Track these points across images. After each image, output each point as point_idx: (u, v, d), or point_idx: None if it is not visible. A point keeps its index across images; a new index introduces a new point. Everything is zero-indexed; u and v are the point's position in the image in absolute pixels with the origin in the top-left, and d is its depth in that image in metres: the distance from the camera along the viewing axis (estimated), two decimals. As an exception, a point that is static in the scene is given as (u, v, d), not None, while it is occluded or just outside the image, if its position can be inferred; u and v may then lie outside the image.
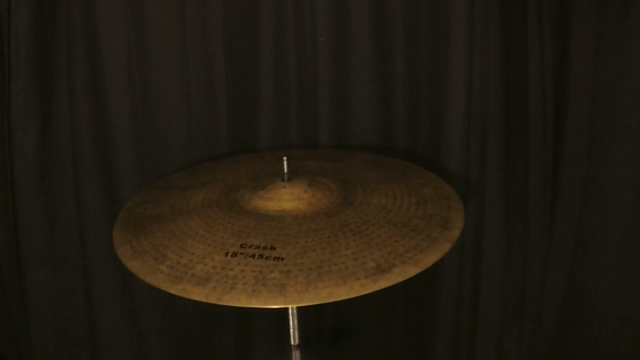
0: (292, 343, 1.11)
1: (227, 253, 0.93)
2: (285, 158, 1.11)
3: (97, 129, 1.41)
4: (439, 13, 1.39)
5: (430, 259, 0.93)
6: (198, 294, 0.86)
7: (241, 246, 0.95)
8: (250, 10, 1.38)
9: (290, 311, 1.10)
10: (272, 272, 0.88)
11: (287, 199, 1.07)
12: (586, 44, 1.36)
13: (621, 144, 1.31)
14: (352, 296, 0.85)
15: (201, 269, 0.90)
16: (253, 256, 0.92)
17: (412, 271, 0.90)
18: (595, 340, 1.48)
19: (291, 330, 1.11)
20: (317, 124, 1.46)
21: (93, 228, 1.45)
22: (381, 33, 1.41)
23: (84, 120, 1.40)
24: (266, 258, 0.91)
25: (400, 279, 0.88)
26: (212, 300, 0.85)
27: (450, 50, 1.39)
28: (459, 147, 1.44)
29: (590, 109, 1.39)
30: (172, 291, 0.88)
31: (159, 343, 1.59)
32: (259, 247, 0.94)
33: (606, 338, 1.45)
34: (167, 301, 1.53)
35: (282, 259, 0.91)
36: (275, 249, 0.94)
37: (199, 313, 1.57)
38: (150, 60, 1.40)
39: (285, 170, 1.11)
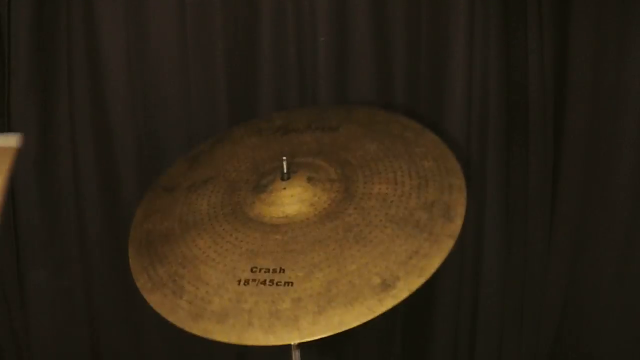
0: (292, 343, 1.12)
1: (240, 281, 0.98)
2: (284, 158, 1.11)
3: (97, 129, 1.41)
4: (439, 13, 1.35)
5: (433, 263, 0.97)
6: (219, 334, 0.93)
7: (251, 270, 0.99)
8: (250, 10, 1.35)
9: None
10: (283, 301, 0.93)
11: (288, 202, 1.08)
12: (586, 43, 1.31)
13: (621, 143, 1.27)
14: (362, 322, 0.90)
15: (218, 303, 0.96)
16: (264, 282, 0.96)
17: (417, 282, 0.94)
18: (595, 342, 1.53)
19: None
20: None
21: (93, 228, 1.47)
22: (381, 33, 1.38)
23: (84, 120, 1.40)
24: (277, 284, 0.96)
25: (406, 294, 0.93)
26: (234, 340, 0.92)
27: (450, 50, 1.36)
28: (459, 147, 1.41)
29: (590, 109, 1.36)
30: (194, 331, 0.95)
31: (159, 343, 1.61)
32: (268, 271, 0.98)
33: (606, 339, 1.50)
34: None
35: (292, 283, 0.95)
36: (284, 271, 0.97)
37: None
38: (150, 60, 1.38)
39: (285, 170, 1.11)
